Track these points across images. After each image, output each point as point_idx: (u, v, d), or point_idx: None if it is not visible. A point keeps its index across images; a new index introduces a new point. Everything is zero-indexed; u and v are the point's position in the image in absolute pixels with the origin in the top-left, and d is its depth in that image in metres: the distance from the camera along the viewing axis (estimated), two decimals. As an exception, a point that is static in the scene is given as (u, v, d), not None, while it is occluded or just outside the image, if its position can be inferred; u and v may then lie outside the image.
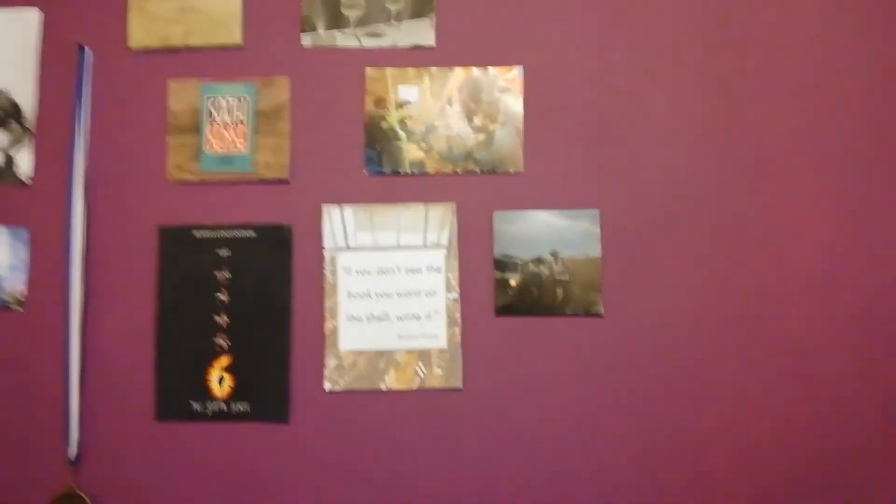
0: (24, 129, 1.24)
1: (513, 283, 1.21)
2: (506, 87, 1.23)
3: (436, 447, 1.20)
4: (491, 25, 1.25)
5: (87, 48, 1.25)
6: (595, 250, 1.21)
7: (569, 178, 1.22)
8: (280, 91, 1.24)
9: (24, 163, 1.24)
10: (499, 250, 1.21)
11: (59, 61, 1.25)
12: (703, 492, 1.18)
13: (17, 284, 1.23)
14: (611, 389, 1.20)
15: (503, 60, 1.24)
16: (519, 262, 1.21)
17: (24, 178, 1.24)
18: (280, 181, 1.23)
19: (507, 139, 1.22)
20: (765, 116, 1.23)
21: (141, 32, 1.25)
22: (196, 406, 1.21)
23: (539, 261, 1.21)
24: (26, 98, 1.25)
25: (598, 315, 1.20)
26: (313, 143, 1.24)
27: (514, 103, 1.23)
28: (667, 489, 1.18)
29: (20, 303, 1.23)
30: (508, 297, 1.21)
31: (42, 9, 1.26)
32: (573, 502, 1.18)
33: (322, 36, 1.24)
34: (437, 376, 1.20)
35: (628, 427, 1.19)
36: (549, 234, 1.21)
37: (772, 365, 1.20)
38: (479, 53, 1.24)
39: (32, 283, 1.23)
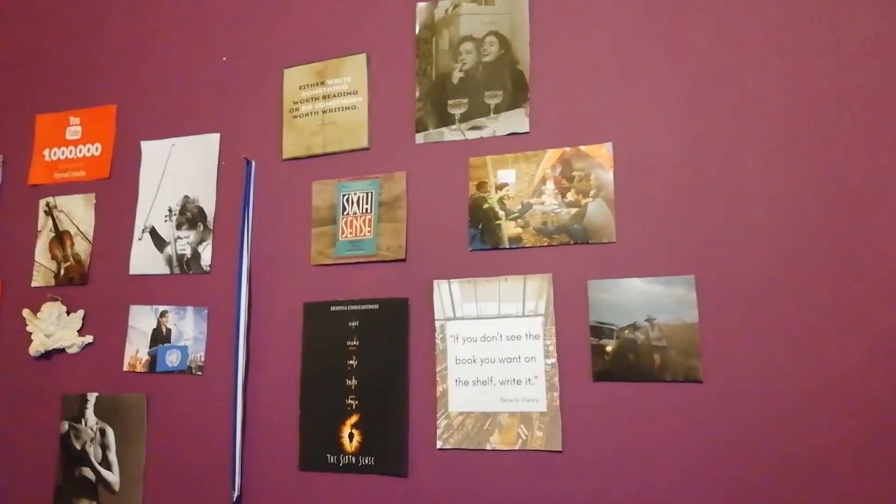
0: (207, 228, 1.55)
1: (609, 349, 1.23)
2: (597, 162, 1.29)
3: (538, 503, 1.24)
4: (580, 107, 1.33)
5: (252, 161, 1.54)
6: (692, 315, 1.20)
7: (662, 246, 1.24)
8: (398, 183, 1.42)
9: (206, 255, 1.54)
10: (594, 317, 1.25)
11: (231, 173, 1.55)
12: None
13: (198, 353, 1.51)
14: (713, 456, 1.15)
15: (594, 138, 1.31)
16: (614, 328, 1.24)
17: (205, 267, 1.53)
18: (398, 260, 1.39)
19: (600, 211, 1.28)
20: (865, 172, 1.16)
21: (291, 145, 1.51)
22: (331, 459, 1.37)
23: (634, 327, 1.23)
24: (209, 204, 1.56)
25: (697, 381, 1.18)
26: (425, 225, 1.39)
27: (605, 177, 1.29)
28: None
29: (200, 368, 1.50)
30: (605, 363, 1.23)
31: (221, 133, 1.58)
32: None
33: (432, 133, 1.41)
34: (538, 438, 1.25)
35: (731, 496, 1.13)
36: (644, 300, 1.23)
37: (887, 428, 1.08)
38: (571, 134, 1.33)
39: (209, 351, 1.50)
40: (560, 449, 1.23)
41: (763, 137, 1.22)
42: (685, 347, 1.19)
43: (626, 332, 1.23)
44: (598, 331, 1.24)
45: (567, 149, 1.32)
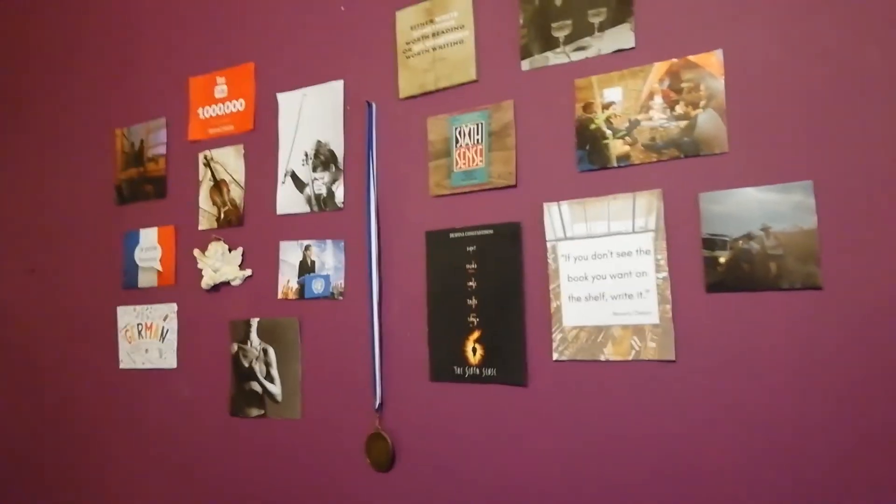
0: (338, 169, 1.67)
1: (722, 260, 1.21)
2: (707, 72, 1.24)
3: (650, 412, 1.26)
4: (687, 15, 1.27)
5: (373, 103, 1.62)
6: (810, 222, 1.14)
7: (777, 153, 1.18)
8: (506, 112, 1.44)
9: (339, 193, 1.66)
10: (706, 230, 1.22)
11: (355, 115, 1.65)
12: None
13: (338, 280, 1.65)
14: (833, 364, 1.11)
15: (702, 47, 1.25)
16: (728, 239, 1.20)
17: (339, 203, 1.66)
18: (509, 186, 1.43)
19: (711, 122, 1.23)
20: None
21: (406, 84, 1.58)
22: (458, 370, 1.47)
23: (749, 237, 1.19)
24: (338, 146, 1.67)
25: (817, 287, 1.13)
26: (534, 151, 1.41)
27: (715, 86, 1.23)
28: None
29: (341, 294, 1.64)
30: (718, 274, 1.21)
31: (344, 79, 1.68)
32: (786, 479, 1.13)
33: (537, 59, 1.41)
34: (651, 349, 1.26)
35: (853, 404, 1.09)
36: (759, 210, 1.18)
37: None
38: (678, 45, 1.27)
39: (348, 279, 1.64)
40: (673, 358, 1.24)
41: (889, 27, 1.10)
42: (803, 255, 1.14)
43: (740, 242, 1.19)
44: (711, 243, 1.22)
45: (675, 60, 1.27)
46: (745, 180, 1.20)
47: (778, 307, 1.16)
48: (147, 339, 1.99)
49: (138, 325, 2.01)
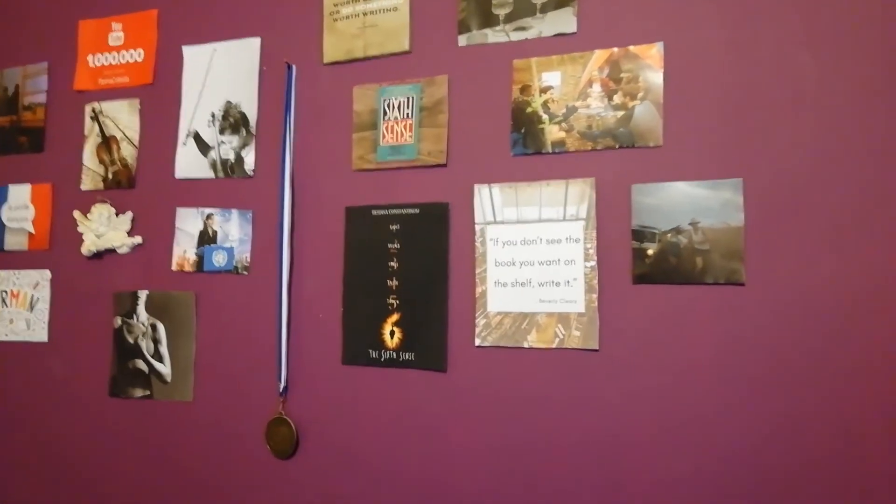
0: (249, 133, 1.48)
1: (650, 252, 1.17)
2: (646, 63, 1.19)
3: (572, 401, 1.20)
4: (630, 5, 1.21)
5: (293, 66, 1.45)
6: (737, 219, 1.12)
7: (709, 149, 1.15)
8: (440, 87, 1.33)
9: (249, 160, 1.47)
10: (637, 221, 1.18)
11: (273, 77, 1.47)
12: (853, 462, 1.04)
13: (244, 254, 1.46)
14: (753, 357, 1.10)
15: (643, 38, 1.20)
16: (657, 232, 1.17)
17: (249, 171, 1.47)
18: (439, 165, 1.32)
19: (647, 114, 1.19)
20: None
21: (332, 49, 1.42)
22: (373, 354, 1.34)
23: (677, 231, 1.15)
24: (251, 108, 1.48)
25: (740, 283, 1.11)
26: (467, 130, 1.31)
27: (654, 78, 1.18)
28: (814, 462, 1.06)
29: (246, 268, 1.46)
30: (646, 266, 1.17)
31: (262, 37, 1.49)
32: (706, 466, 1.12)
33: (475, 35, 1.31)
34: (576, 337, 1.20)
35: (770, 396, 1.09)
36: (689, 204, 1.15)
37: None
38: (620, 34, 1.22)
39: (254, 253, 1.46)
40: (597, 347, 1.19)
41: (825, 38, 1.11)
42: (729, 251, 1.12)
43: (669, 235, 1.16)
44: (640, 234, 1.18)
45: (615, 49, 1.21)
46: (678, 174, 1.16)
47: (701, 301, 1.14)
48: (13, 308, 1.69)
49: (2, 291, 1.70)
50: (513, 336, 1.24)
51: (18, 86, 1.73)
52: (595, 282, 1.20)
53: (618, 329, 1.18)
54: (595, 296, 1.19)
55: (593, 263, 1.20)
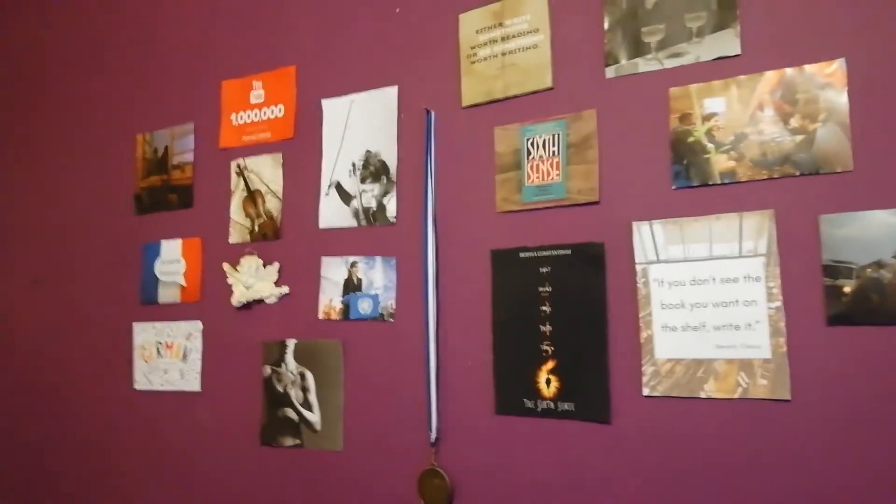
0: (390, 181, 1.45)
1: (847, 289, 1.02)
2: (826, 82, 1.06)
3: (760, 457, 1.06)
4: (802, 20, 1.09)
5: (432, 111, 1.42)
6: (954, 250, 0.97)
7: (912, 172, 1.00)
8: (587, 123, 1.25)
9: (391, 206, 1.45)
10: (828, 255, 1.04)
11: (411, 124, 1.44)
12: None
13: (388, 301, 1.43)
14: None
15: (820, 55, 1.07)
16: (854, 266, 1.02)
17: (391, 218, 1.44)
18: (591, 203, 1.23)
19: (832, 137, 1.05)
20: None
21: (471, 91, 1.38)
22: (528, 403, 1.26)
23: (879, 265, 1.01)
24: (390, 156, 1.46)
25: (963, 324, 0.95)
26: (621, 165, 1.22)
27: (836, 98, 1.05)
28: None
29: (392, 315, 1.42)
30: (842, 305, 1.03)
31: (399, 85, 1.47)
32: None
33: (625, 66, 1.22)
34: (762, 386, 1.07)
35: None
36: (890, 235, 1.00)
37: None
38: (791, 52, 1.09)
39: (399, 299, 1.42)
40: (788, 398, 1.04)
41: None
42: (946, 286, 0.97)
43: (869, 270, 1.01)
44: (834, 270, 1.03)
45: (788, 69, 1.09)
46: (873, 202, 1.02)
47: (915, 343, 0.98)
48: (167, 358, 1.74)
49: (157, 343, 1.76)
50: (687, 385, 1.12)
51: (167, 147, 1.81)
52: (782, 324, 1.06)
53: (812, 376, 1.04)
54: (783, 339, 1.06)
55: (779, 304, 1.07)
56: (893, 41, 1.03)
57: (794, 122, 1.08)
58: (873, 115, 1.03)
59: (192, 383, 1.69)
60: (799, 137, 1.07)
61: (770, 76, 1.10)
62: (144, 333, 1.79)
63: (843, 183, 1.04)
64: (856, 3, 1.06)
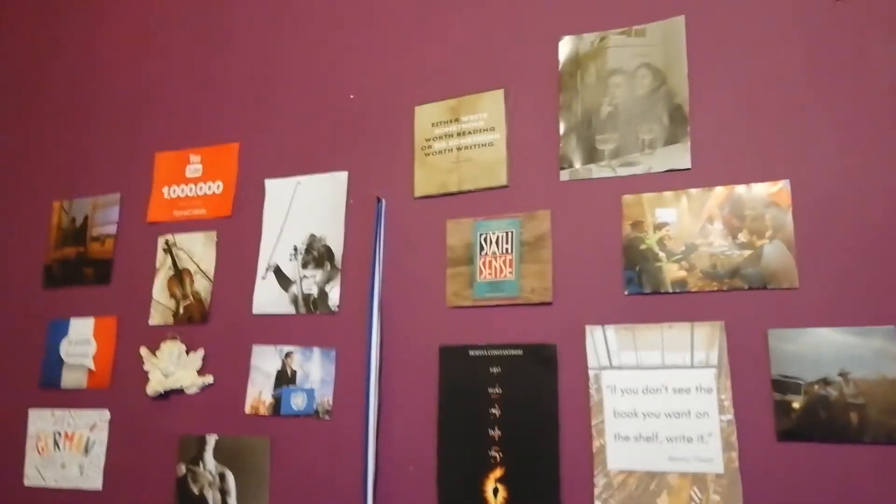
0: (335, 267, 1.37)
1: (796, 405, 1.02)
2: (772, 201, 1.10)
3: (723, 585, 1.01)
4: (749, 142, 1.13)
5: (383, 199, 1.37)
6: (894, 370, 0.99)
7: (853, 293, 1.03)
8: (542, 222, 1.23)
9: (334, 295, 1.36)
10: (777, 370, 1.04)
11: (360, 211, 1.39)
12: None
13: (325, 396, 1.32)
14: (937, 535, 0.93)
15: (766, 175, 1.11)
16: (802, 383, 1.03)
17: (333, 307, 1.36)
18: (544, 304, 1.20)
19: (778, 254, 1.08)
20: None
21: (424, 183, 1.34)
22: (473, 516, 1.17)
23: (825, 381, 1.01)
24: (336, 242, 1.39)
25: (906, 445, 0.96)
26: (574, 266, 1.20)
27: (782, 217, 1.09)
28: None
29: (328, 412, 1.31)
30: (792, 421, 1.02)
31: (349, 170, 1.42)
32: None
33: (579, 170, 1.23)
34: (715, 502, 1.03)
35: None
36: (836, 353, 1.02)
37: None
38: (739, 171, 1.13)
39: (337, 395, 1.31)
40: (742, 516, 1.02)
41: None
42: (888, 406, 0.98)
43: (816, 387, 1.02)
44: (783, 385, 1.03)
45: (736, 186, 1.12)
46: (820, 319, 1.04)
47: (860, 463, 0.98)
48: (66, 451, 1.52)
49: (56, 433, 1.54)
50: (640, 499, 1.07)
51: (87, 216, 1.66)
52: (734, 438, 1.04)
53: (763, 493, 1.02)
54: (735, 454, 1.03)
55: (730, 416, 1.05)
56: (835, 165, 1.08)
57: (742, 237, 1.10)
58: (817, 236, 1.07)
59: (94, 481, 1.48)
60: (747, 252, 1.09)
61: (719, 191, 1.13)
62: (41, 421, 1.57)
63: (789, 299, 1.06)
64: (801, 126, 1.11)
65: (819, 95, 1.11)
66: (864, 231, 1.04)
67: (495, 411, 1.20)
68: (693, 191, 1.14)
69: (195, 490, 1.38)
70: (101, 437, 1.50)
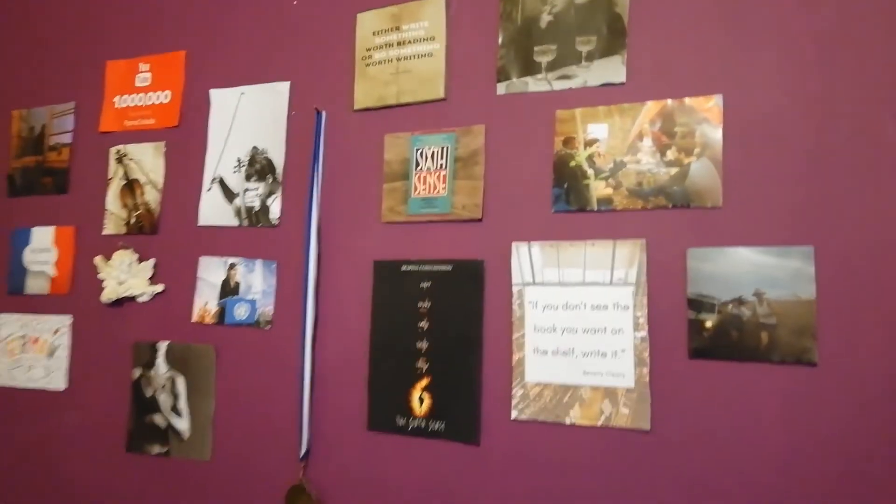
0: (276, 181, 1.36)
1: (709, 324, 1.02)
2: (704, 117, 1.05)
3: (619, 486, 1.04)
4: (686, 56, 1.07)
5: (323, 111, 1.33)
6: (808, 291, 0.97)
7: (776, 213, 1.00)
8: (476, 138, 1.20)
9: (275, 208, 1.35)
10: (693, 289, 1.03)
11: (302, 123, 1.35)
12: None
13: (266, 307, 1.34)
14: (826, 448, 0.94)
15: (700, 90, 1.06)
16: (716, 302, 1.01)
17: (274, 220, 1.35)
18: (474, 220, 1.18)
19: (704, 172, 1.04)
20: None
21: (363, 95, 1.30)
22: (400, 421, 1.20)
23: (740, 301, 1.00)
24: (278, 155, 1.36)
25: (811, 363, 0.96)
26: (505, 183, 1.17)
27: (712, 134, 1.04)
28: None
29: (269, 323, 1.33)
30: (704, 340, 1.02)
31: (291, 81, 1.37)
32: (779, 573, 0.95)
33: (515, 83, 1.18)
34: (624, 415, 1.05)
35: (843, 495, 0.92)
36: (753, 273, 1.00)
37: None
38: (674, 85, 1.08)
39: (278, 306, 1.33)
40: (648, 428, 1.03)
41: (908, 91, 0.96)
42: (798, 327, 0.97)
43: (730, 306, 1.01)
44: (697, 304, 1.02)
45: (669, 101, 1.07)
46: (740, 239, 1.01)
47: (767, 381, 0.98)
48: (32, 353, 1.58)
49: (22, 337, 1.59)
50: (553, 410, 1.09)
51: (45, 126, 1.64)
52: (646, 354, 1.04)
53: (672, 408, 1.03)
54: (646, 370, 1.04)
55: (644, 334, 1.05)
56: (771, 84, 1.02)
57: (671, 154, 1.06)
58: (745, 154, 1.02)
59: (57, 382, 1.54)
60: (674, 170, 1.05)
61: (651, 106, 1.08)
62: (9, 325, 1.62)
63: (712, 218, 1.03)
64: (738, 41, 1.04)
65: (760, 7, 1.03)
66: (792, 152, 1.00)
67: (424, 324, 1.21)
68: (625, 105, 1.09)
69: (148, 392, 1.43)
70: (63, 342, 1.54)
